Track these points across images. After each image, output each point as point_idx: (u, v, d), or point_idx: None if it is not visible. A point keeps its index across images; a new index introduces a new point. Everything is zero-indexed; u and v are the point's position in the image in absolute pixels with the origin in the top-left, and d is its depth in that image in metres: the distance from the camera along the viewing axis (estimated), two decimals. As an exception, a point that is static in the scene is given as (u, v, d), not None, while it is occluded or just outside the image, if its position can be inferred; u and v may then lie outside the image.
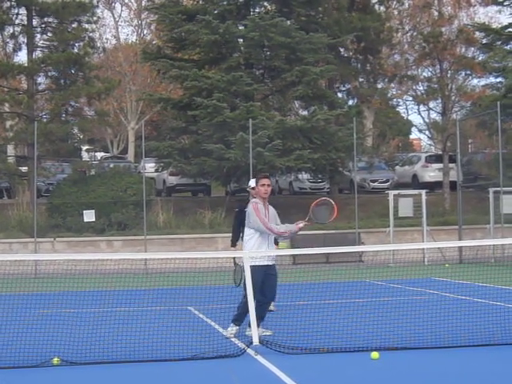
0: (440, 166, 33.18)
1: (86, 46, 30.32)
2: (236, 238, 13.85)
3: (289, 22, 29.66)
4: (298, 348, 9.60)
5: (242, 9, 30.41)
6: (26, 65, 30.18)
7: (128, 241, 26.42)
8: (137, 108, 44.68)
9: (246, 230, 10.80)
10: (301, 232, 10.97)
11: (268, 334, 10.62)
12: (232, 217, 14.55)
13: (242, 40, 29.91)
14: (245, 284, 10.33)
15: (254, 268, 10.24)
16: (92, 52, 32.34)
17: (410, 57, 37.07)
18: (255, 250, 10.55)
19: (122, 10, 61.89)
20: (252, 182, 14.01)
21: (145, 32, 47.77)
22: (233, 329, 10.77)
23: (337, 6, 32.72)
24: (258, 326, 10.63)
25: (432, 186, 33.12)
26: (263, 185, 10.80)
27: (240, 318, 10.68)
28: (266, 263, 10.56)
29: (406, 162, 37.38)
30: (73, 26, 30.40)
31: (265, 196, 10.78)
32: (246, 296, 10.31)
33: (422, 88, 38.48)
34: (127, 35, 74.78)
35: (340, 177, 31.79)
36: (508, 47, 32.57)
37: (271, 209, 10.87)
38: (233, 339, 10.42)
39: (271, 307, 12.82)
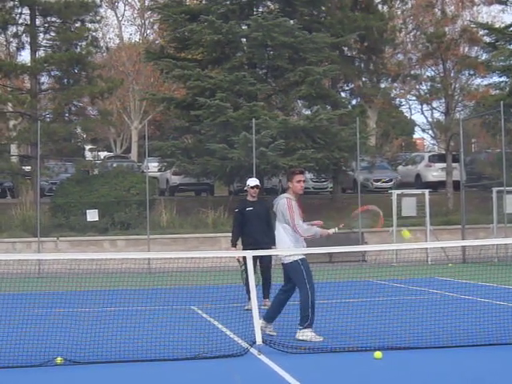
0: (443, 165, 33.15)
1: (89, 46, 30.33)
2: (236, 238, 13.86)
3: (292, 22, 29.63)
4: (301, 347, 9.58)
5: (245, 9, 30.40)
6: (29, 64, 30.20)
7: (131, 240, 26.42)
8: (140, 107, 44.70)
9: (281, 225, 10.43)
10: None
11: (273, 334, 10.61)
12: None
13: (245, 40, 29.90)
14: (299, 281, 10.30)
15: (303, 260, 10.26)
16: (95, 51, 32.37)
17: (413, 56, 37.02)
18: (293, 246, 10.35)
19: (125, 10, 61.43)
20: (250, 181, 14.01)
21: (148, 31, 47.86)
22: (308, 333, 10.27)
23: (340, 6, 32.67)
24: (272, 321, 10.64)
25: (435, 186, 33.11)
26: (299, 181, 10.44)
27: (307, 317, 10.26)
28: (303, 256, 10.43)
29: (409, 161, 37.34)
30: (76, 25, 30.40)
31: (301, 192, 10.49)
32: (302, 291, 10.27)
33: (425, 87, 38.41)
34: (130, 35, 74.71)
35: (343, 176, 31.80)
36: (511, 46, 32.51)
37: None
38: (236, 338, 10.41)
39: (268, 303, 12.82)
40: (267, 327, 10.52)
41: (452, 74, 35.52)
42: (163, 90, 40.14)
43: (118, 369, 8.96)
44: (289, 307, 10.62)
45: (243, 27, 29.85)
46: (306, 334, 10.20)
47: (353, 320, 11.32)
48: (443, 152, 35.27)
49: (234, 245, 13.82)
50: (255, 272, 11.06)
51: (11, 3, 30.05)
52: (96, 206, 27.04)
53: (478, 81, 39.44)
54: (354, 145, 27.61)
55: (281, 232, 10.48)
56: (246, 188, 14.18)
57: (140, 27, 47.87)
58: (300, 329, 10.30)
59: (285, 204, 10.36)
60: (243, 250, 13.12)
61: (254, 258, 10.82)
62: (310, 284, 10.27)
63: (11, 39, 32.45)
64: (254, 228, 13.54)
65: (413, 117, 56.58)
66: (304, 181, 10.57)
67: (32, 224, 26.49)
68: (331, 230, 10.54)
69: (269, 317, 10.59)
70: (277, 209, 10.53)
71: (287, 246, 10.41)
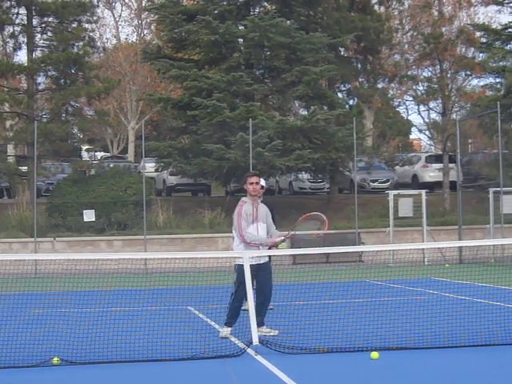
0: (440, 166, 33.18)
1: (85, 46, 30.34)
2: None
3: (289, 22, 29.64)
4: (297, 348, 9.59)
5: (242, 9, 30.40)
6: (25, 64, 30.18)
7: (128, 240, 26.40)
8: (137, 108, 44.70)
9: (234, 230, 10.78)
10: (300, 231, 10.93)
11: (273, 334, 10.61)
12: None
13: (242, 40, 29.91)
14: (239, 283, 10.43)
15: (240, 268, 10.30)
16: (92, 52, 32.39)
17: (410, 57, 37.09)
18: (241, 249, 10.51)
19: (122, 10, 61.83)
20: None
21: (145, 32, 47.85)
22: (224, 330, 10.75)
23: (337, 6, 32.73)
24: (259, 325, 10.64)
25: (432, 186, 33.12)
26: (251, 183, 10.73)
27: (232, 318, 10.70)
28: (256, 262, 10.46)
29: (405, 162, 37.38)
30: (73, 25, 30.41)
31: (253, 194, 10.73)
32: (233, 294, 10.56)
33: (422, 88, 38.52)
34: (127, 35, 74.63)
35: (340, 177, 31.79)
36: (508, 47, 32.54)
37: (262, 207, 10.81)
38: (233, 339, 10.41)
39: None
40: (262, 331, 10.54)
41: (449, 75, 35.56)
42: (160, 91, 40.15)
43: (114, 369, 8.96)
44: (288, 307, 10.60)
45: (240, 27, 29.86)
46: (226, 331, 10.60)
47: (349, 320, 11.32)
48: (440, 152, 35.31)
49: None
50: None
51: (8, 3, 30.04)
52: (93, 207, 27.03)
53: (474, 81, 39.59)
54: (351, 145, 27.62)
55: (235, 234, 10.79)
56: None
57: (137, 27, 47.87)
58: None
59: (236, 209, 10.69)
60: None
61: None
62: (239, 289, 10.41)
63: (8, 39, 32.47)
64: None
65: (410, 117, 56.84)
66: (257, 183, 10.78)
67: (29, 224, 26.47)
68: (278, 239, 10.67)
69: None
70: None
71: (236, 249, 10.68)
